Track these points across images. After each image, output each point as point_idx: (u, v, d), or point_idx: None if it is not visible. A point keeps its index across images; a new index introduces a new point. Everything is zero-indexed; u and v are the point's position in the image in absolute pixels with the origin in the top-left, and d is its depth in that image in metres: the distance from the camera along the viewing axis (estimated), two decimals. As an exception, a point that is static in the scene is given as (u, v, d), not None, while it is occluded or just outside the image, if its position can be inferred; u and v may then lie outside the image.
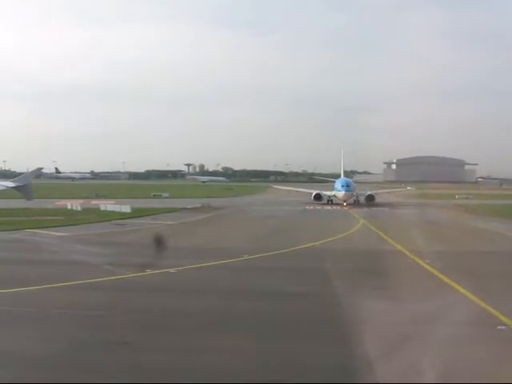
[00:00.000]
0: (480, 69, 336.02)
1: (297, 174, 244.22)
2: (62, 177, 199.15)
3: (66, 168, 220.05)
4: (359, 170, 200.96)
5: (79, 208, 59.93)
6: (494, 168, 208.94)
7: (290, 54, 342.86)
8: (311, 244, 31.95)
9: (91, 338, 13.41)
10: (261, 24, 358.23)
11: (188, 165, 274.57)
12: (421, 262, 24.88)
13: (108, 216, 50.74)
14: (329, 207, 73.16)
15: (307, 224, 48.86)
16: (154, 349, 12.51)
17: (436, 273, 22.05)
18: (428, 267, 23.48)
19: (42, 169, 72.55)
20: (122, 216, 50.92)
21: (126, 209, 55.93)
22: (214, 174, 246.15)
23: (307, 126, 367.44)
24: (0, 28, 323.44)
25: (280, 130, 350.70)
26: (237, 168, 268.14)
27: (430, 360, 11.09)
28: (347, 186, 77.85)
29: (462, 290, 18.52)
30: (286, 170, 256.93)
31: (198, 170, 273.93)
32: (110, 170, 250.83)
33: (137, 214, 53.54)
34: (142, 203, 67.03)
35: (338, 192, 77.32)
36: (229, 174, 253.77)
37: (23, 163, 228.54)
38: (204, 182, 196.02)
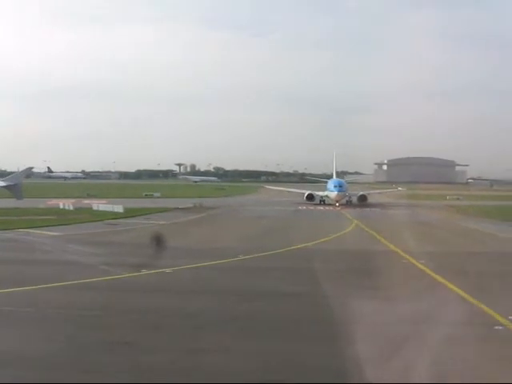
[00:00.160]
0: (480, 69, 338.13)
1: (288, 175, 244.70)
2: (54, 176, 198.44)
3: (57, 167, 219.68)
4: (350, 171, 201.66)
5: (71, 207, 59.87)
6: (485, 169, 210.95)
7: (290, 54, 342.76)
8: (303, 245, 31.96)
9: (87, 338, 13.36)
10: (260, 24, 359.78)
11: (179, 165, 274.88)
12: (416, 262, 25.03)
13: (101, 216, 50.63)
14: (321, 207, 73.30)
15: (300, 224, 48.88)
16: (151, 349, 12.47)
17: (432, 273, 22.17)
18: (423, 267, 23.62)
19: (32, 168, 72.20)
20: (115, 216, 50.81)
21: (119, 208, 55.83)
22: (206, 174, 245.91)
23: (300, 126, 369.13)
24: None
25: (272, 130, 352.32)
26: (228, 168, 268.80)
27: (424, 359, 11.21)
28: (340, 187, 78.00)
29: (459, 290, 18.61)
30: (278, 171, 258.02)
31: (189, 169, 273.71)
32: (100, 170, 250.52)
33: (129, 213, 53.43)
34: (134, 203, 66.80)
35: (331, 192, 77.43)
36: (220, 174, 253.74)
37: (14, 162, 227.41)
38: (196, 181, 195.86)
